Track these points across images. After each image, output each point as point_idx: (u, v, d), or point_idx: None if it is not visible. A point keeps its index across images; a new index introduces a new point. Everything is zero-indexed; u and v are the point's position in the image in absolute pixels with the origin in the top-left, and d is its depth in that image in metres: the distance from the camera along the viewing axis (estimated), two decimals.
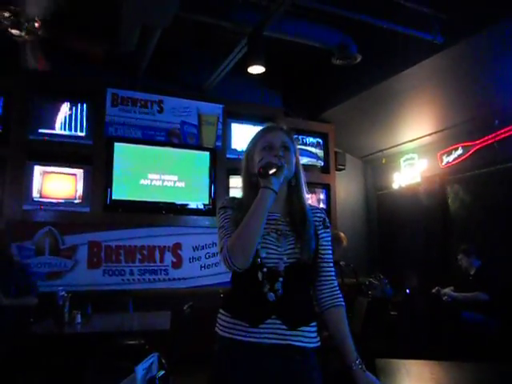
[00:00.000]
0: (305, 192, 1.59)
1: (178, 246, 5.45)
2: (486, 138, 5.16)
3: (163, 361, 1.67)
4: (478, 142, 5.28)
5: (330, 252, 1.59)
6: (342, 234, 4.44)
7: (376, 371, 2.15)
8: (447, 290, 4.75)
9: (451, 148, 5.70)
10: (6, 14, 3.61)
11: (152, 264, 5.30)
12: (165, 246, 5.39)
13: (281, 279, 1.42)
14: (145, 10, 3.82)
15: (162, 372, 1.56)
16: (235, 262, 1.35)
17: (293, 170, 1.54)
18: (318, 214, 1.60)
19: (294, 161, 1.55)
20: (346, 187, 7.08)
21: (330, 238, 1.60)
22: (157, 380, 1.50)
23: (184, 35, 5.08)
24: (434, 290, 4.85)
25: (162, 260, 5.35)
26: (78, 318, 3.61)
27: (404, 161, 6.46)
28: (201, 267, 5.52)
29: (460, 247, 4.84)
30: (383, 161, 6.73)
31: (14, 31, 3.67)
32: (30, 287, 3.70)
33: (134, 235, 5.26)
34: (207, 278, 5.51)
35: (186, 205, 5.63)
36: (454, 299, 4.59)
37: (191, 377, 4.23)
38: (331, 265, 1.59)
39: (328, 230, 1.60)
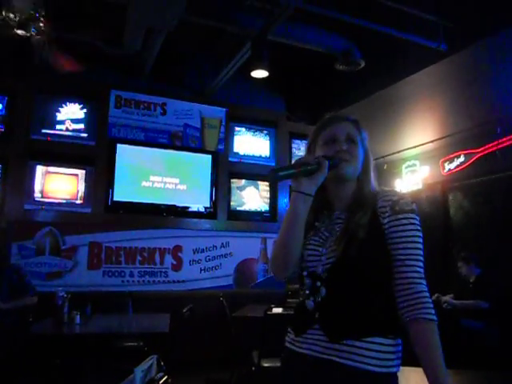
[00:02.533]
0: (372, 184, 1.36)
1: (178, 248, 5.44)
2: (488, 145, 5.15)
3: (162, 363, 1.66)
4: (480, 149, 5.28)
5: (408, 245, 1.20)
6: None
7: None
8: (447, 298, 4.74)
9: (453, 155, 5.69)
10: (12, 15, 3.63)
11: (152, 266, 5.30)
12: (165, 248, 5.39)
13: (318, 284, 1.24)
14: (150, 12, 3.84)
15: (161, 374, 1.55)
16: (274, 272, 1.27)
17: (360, 165, 1.34)
18: (386, 198, 1.27)
19: (361, 154, 1.35)
20: None
21: (405, 228, 1.21)
22: (156, 382, 1.50)
23: (188, 38, 5.10)
24: (433, 297, 4.84)
25: (162, 262, 5.35)
26: (77, 319, 3.60)
27: (406, 167, 6.46)
28: (201, 270, 5.52)
29: (460, 255, 4.83)
30: (385, 167, 6.72)
31: (19, 32, 3.69)
32: (26, 288, 3.65)
33: (134, 237, 5.26)
34: (207, 280, 5.51)
35: (187, 207, 5.63)
36: (454, 307, 4.58)
37: (190, 379, 4.23)
38: (408, 262, 1.19)
39: (400, 216, 1.22)
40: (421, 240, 1.22)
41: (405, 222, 1.22)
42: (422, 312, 1.16)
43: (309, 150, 1.41)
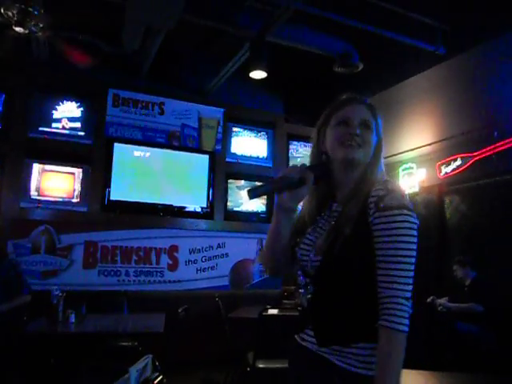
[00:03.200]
0: (375, 176, 1.24)
1: (174, 248, 5.43)
2: (485, 149, 5.17)
3: (157, 363, 1.66)
4: (476, 153, 5.29)
5: (389, 246, 1.08)
6: None
7: None
8: (442, 301, 4.75)
9: (450, 158, 5.71)
10: (10, 13, 3.62)
11: (148, 265, 5.29)
12: (161, 248, 5.38)
13: (307, 281, 1.21)
14: (149, 11, 3.84)
15: (156, 374, 1.55)
16: (265, 269, 1.29)
17: (372, 152, 1.26)
18: (375, 192, 1.14)
19: (375, 141, 1.27)
20: None
21: (392, 225, 1.08)
22: (150, 382, 1.49)
23: (187, 38, 5.10)
24: (429, 300, 4.85)
25: (158, 262, 5.34)
26: (72, 318, 3.58)
27: (402, 170, 6.46)
28: (197, 270, 5.51)
29: (455, 258, 4.85)
30: None
31: (17, 29, 3.68)
32: (21, 285, 3.63)
33: (130, 236, 5.25)
34: (203, 281, 5.50)
35: (184, 207, 5.62)
36: (449, 310, 4.59)
37: (185, 379, 4.23)
38: (386, 265, 1.08)
39: (386, 213, 1.09)
40: (408, 239, 1.09)
41: (389, 219, 1.09)
42: (386, 319, 1.06)
43: (318, 131, 1.34)
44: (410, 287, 1.08)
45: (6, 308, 3.45)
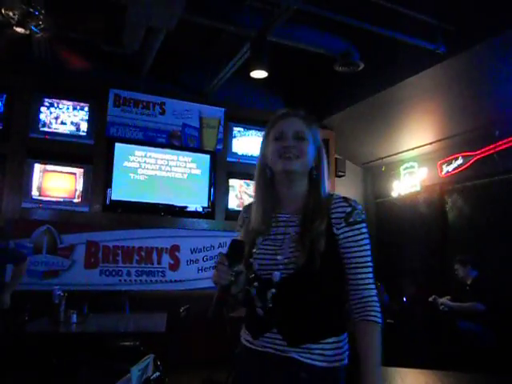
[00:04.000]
0: (326, 185, 1.37)
1: (175, 247, 5.44)
2: (487, 148, 5.17)
3: (158, 362, 1.66)
4: (478, 152, 5.29)
5: (358, 254, 1.29)
6: None
7: None
8: (444, 300, 4.75)
9: (451, 157, 5.71)
10: (11, 14, 3.63)
11: (149, 265, 5.29)
12: (162, 248, 5.38)
13: (272, 291, 1.28)
14: (150, 11, 3.84)
15: (158, 373, 1.55)
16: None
17: (309, 162, 1.35)
18: (340, 209, 1.31)
19: (311, 151, 1.35)
20: (346, 194, 6.91)
21: (359, 237, 1.29)
22: (152, 381, 1.49)
23: (188, 38, 5.09)
24: (430, 299, 4.85)
25: (159, 262, 5.34)
26: (74, 318, 3.59)
27: (404, 169, 6.47)
28: (198, 270, 5.51)
29: (457, 257, 4.84)
30: (383, 169, 6.73)
31: (19, 29, 3.68)
32: (17, 257, 3.78)
33: (132, 236, 5.25)
34: (204, 280, 5.50)
35: (185, 207, 5.63)
36: (451, 309, 4.59)
37: (186, 379, 4.23)
38: (360, 270, 1.29)
39: (355, 227, 1.29)
40: (369, 246, 1.32)
41: (357, 232, 1.29)
42: (371, 314, 1.25)
43: (263, 144, 1.44)
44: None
45: (13, 287, 3.60)
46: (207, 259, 5.57)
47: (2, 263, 3.86)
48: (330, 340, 1.27)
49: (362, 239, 1.30)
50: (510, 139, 4.92)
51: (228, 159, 6.01)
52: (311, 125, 1.40)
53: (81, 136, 5.31)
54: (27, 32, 3.76)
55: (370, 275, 1.30)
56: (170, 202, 5.54)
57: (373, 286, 1.30)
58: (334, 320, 1.31)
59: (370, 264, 1.31)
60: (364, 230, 1.31)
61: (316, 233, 1.27)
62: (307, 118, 1.41)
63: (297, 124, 1.38)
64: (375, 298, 1.28)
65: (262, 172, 1.41)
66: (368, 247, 1.32)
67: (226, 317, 4.13)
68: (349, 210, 1.31)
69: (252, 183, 1.52)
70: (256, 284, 1.32)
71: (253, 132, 6.27)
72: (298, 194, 1.36)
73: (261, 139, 1.49)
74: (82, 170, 5.23)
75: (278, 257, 1.30)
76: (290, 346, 1.26)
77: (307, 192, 1.36)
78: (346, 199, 1.35)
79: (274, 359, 1.28)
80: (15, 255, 3.84)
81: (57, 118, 5.22)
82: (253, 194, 1.45)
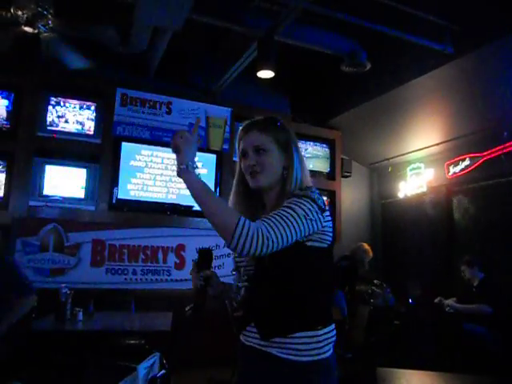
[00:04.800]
0: (293, 184, 1.37)
1: (181, 247, 5.45)
2: (494, 149, 5.14)
3: (164, 361, 1.67)
4: (485, 153, 5.27)
5: (274, 214, 1.26)
6: (366, 246, 4.40)
7: (377, 380, 2.14)
8: (450, 301, 4.72)
9: (458, 158, 5.68)
10: (20, 13, 3.65)
11: (155, 264, 5.31)
12: (168, 247, 5.39)
13: (245, 284, 1.41)
14: (157, 12, 3.85)
15: (163, 371, 1.56)
16: (243, 249, 1.25)
17: (277, 169, 1.39)
18: (289, 199, 1.32)
19: (276, 158, 1.39)
20: (351, 194, 7.08)
21: (286, 204, 1.29)
22: (158, 379, 1.50)
23: (195, 38, 5.11)
24: (436, 300, 4.83)
25: (164, 261, 5.35)
26: (80, 316, 3.61)
27: (410, 170, 6.45)
28: None
29: (463, 258, 4.82)
30: (389, 169, 6.71)
31: (27, 29, 3.70)
32: (22, 288, 3.25)
33: (137, 235, 5.27)
34: None
35: (191, 206, 5.63)
36: (457, 310, 4.57)
37: (191, 378, 4.24)
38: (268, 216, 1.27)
39: (287, 201, 1.30)
40: (295, 211, 1.26)
41: (286, 204, 1.29)
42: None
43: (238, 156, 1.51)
44: None
45: (16, 318, 3.15)
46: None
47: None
48: (303, 334, 1.29)
49: (287, 205, 1.28)
50: None
51: (234, 159, 6.01)
52: (271, 131, 1.41)
53: (88, 135, 5.33)
54: (35, 31, 3.78)
55: (275, 219, 1.24)
56: (176, 202, 5.55)
57: (268, 224, 1.23)
58: (306, 314, 1.32)
59: (279, 216, 1.25)
60: (296, 200, 1.29)
61: None
62: (266, 126, 1.42)
63: (255, 137, 1.41)
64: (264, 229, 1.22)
65: (237, 182, 1.52)
66: (290, 210, 1.26)
67: (230, 316, 4.14)
68: (290, 199, 1.32)
69: None
70: (235, 273, 1.46)
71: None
72: (271, 199, 1.43)
73: None
74: (88, 169, 5.26)
75: None
76: (263, 340, 1.32)
77: (279, 193, 1.41)
78: (304, 193, 1.33)
79: (256, 353, 1.33)
80: (19, 281, 3.26)
81: (64, 117, 5.25)
82: (231, 198, 1.52)
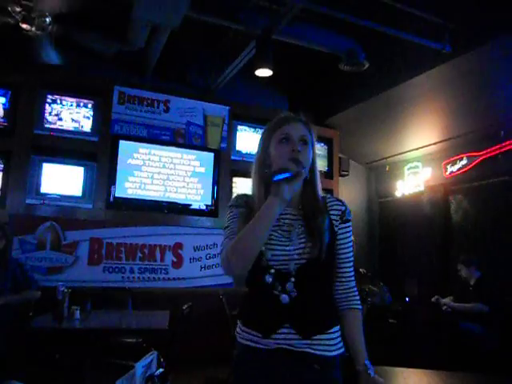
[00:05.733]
0: (319, 185, 1.46)
1: (178, 245, 5.45)
2: (491, 149, 5.15)
3: (162, 359, 1.67)
4: (482, 152, 5.28)
5: (350, 249, 1.45)
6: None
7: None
8: (446, 300, 4.74)
9: (456, 158, 5.70)
10: (18, 9, 3.64)
11: (152, 263, 5.30)
12: (166, 246, 5.39)
13: (292, 280, 1.33)
14: (155, 10, 3.84)
15: (161, 370, 1.56)
16: (233, 267, 1.28)
17: (309, 165, 1.41)
18: (336, 207, 1.45)
19: (311, 155, 1.42)
20: (349, 193, 7.08)
21: (349, 234, 1.45)
22: (156, 378, 1.50)
23: (193, 36, 5.10)
24: (433, 299, 4.84)
25: (162, 259, 5.35)
26: (77, 314, 3.60)
27: (408, 169, 6.46)
28: (201, 268, 5.52)
29: (460, 257, 4.83)
30: (387, 168, 6.72)
31: (24, 26, 3.69)
32: (29, 282, 3.66)
33: (135, 233, 5.26)
34: (207, 278, 5.51)
35: (189, 205, 5.64)
36: (454, 309, 4.58)
37: (188, 377, 4.24)
38: (349, 264, 1.44)
39: (347, 225, 1.45)
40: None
41: (348, 229, 1.45)
42: (357, 303, 1.42)
43: (262, 147, 1.48)
44: None
45: (16, 300, 3.48)
46: (210, 257, 5.58)
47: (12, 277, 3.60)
48: (334, 329, 1.38)
49: (350, 236, 1.46)
50: None
51: (232, 157, 6.02)
52: (311, 129, 1.46)
53: (85, 133, 5.32)
54: (32, 29, 3.77)
55: (353, 268, 1.46)
56: (174, 200, 5.55)
57: (354, 278, 1.45)
58: (334, 309, 1.42)
59: (353, 258, 1.46)
60: (351, 228, 1.47)
61: (323, 227, 1.37)
62: (308, 123, 1.47)
63: (301, 129, 1.43)
64: (356, 288, 1.44)
65: (260, 172, 1.46)
66: (352, 243, 1.48)
67: (228, 315, 4.14)
68: (343, 208, 1.46)
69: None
70: (272, 271, 1.35)
71: (257, 130, 6.27)
72: (295, 192, 1.39)
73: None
74: (86, 167, 5.25)
75: (288, 247, 1.36)
76: (303, 339, 1.32)
77: (302, 189, 1.41)
78: (338, 199, 1.49)
79: (287, 355, 1.32)
80: (27, 276, 3.68)
81: (61, 115, 5.23)
82: (253, 187, 1.49)
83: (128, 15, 4.07)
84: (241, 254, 1.27)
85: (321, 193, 1.46)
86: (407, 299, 5.27)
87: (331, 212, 1.44)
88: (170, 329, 3.38)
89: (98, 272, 5.04)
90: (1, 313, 3.40)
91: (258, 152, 1.51)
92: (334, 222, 1.42)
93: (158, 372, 1.54)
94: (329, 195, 1.50)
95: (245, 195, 1.51)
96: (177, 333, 3.23)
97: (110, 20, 4.65)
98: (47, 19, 3.68)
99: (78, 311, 3.62)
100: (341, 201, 1.48)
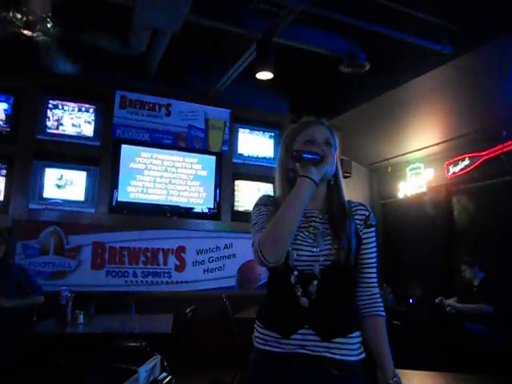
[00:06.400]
0: (344, 190, 1.48)
1: (181, 249, 5.45)
2: (494, 149, 5.14)
3: (165, 363, 1.67)
4: (485, 153, 5.27)
5: (374, 254, 1.45)
6: None
7: (378, 380, 2.14)
8: (450, 301, 4.72)
9: (458, 158, 5.69)
10: (19, 16, 3.65)
11: (155, 266, 5.30)
12: (168, 249, 5.39)
13: (315, 282, 1.32)
14: (156, 14, 3.86)
15: (165, 374, 1.56)
16: (266, 256, 1.25)
17: (334, 169, 1.42)
18: (360, 212, 1.46)
19: (335, 157, 1.43)
20: (351, 195, 6.86)
21: (373, 239, 1.46)
22: (159, 382, 1.50)
23: (194, 40, 5.12)
24: (437, 300, 4.83)
25: (165, 263, 5.35)
26: (81, 319, 3.60)
27: (410, 170, 6.45)
28: (204, 271, 5.52)
29: (464, 258, 4.82)
30: (389, 169, 6.72)
31: (26, 32, 3.71)
32: (33, 287, 3.69)
33: (138, 237, 5.27)
34: (210, 281, 5.51)
35: (191, 208, 5.64)
36: (457, 310, 4.57)
37: (192, 380, 4.24)
38: (373, 270, 1.44)
39: (371, 230, 1.45)
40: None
41: (372, 234, 1.45)
42: (381, 310, 1.41)
43: (286, 148, 1.49)
44: None
45: (20, 304, 3.52)
46: (213, 260, 5.58)
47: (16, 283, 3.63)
48: (355, 334, 1.35)
49: (374, 241, 1.46)
50: None
51: (234, 160, 6.02)
52: (334, 133, 1.49)
53: (87, 137, 5.33)
54: (34, 34, 3.79)
55: (376, 274, 1.46)
56: (176, 204, 5.56)
57: (377, 285, 1.45)
58: (355, 314, 1.41)
59: (376, 264, 1.46)
60: (375, 234, 1.47)
61: (350, 231, 1.38)
62: (330, 127, 1.49)
63: (326, 131, 1.46)
64: (380, 295, 1.44)
65: (284, 174, 1.47)
66: (376, 249, 1.47)
67: (231, 318, 4.14)
68: (367, 213, 1.46)
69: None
70: (296, 273, 1.33)
71: (259, 133, 6.27)
72: (320, 195, 1.44)
73: (269, 141, 1.56)
74: (88, 172, 5.26)
75: (314, 249, 1.35)
76: (322, 341, 1.30)
77: (326, 194, 1.45)
78: (362, 204, 1.50)
79: (305, 360, 1.30)
80: (31, 281, 3.72)
81: (63, 120, 5.25)
82: (278, 190, 1.48)
83: (129, 19, 4.08)
84: (274, 239, 1.26)
85: (345, 196, 1.48)
86: (411, 300, 5.25)
87: (356, 217, 1.44)
88: (174, 333, 3.38)
89: (101, 276, 5.05)
90: (5, 316, 3.42)
91: (280, 155, 1.53)
92: (358, 226, 1.42)
93: (161, 376, 1.54)
94: (352, 200, 1.50)
95: (270, 196, 1.51)
96: (180, 336, 3.22)
97: (112, 24, 4.67)
98: (49, 24, 3.69)
99: (82, 316, 3.62)
100: (364, 206, 1.49)
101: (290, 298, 1.33)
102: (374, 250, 1.46)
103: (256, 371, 1.40)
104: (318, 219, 1.41)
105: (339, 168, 1.48)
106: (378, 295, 1.43)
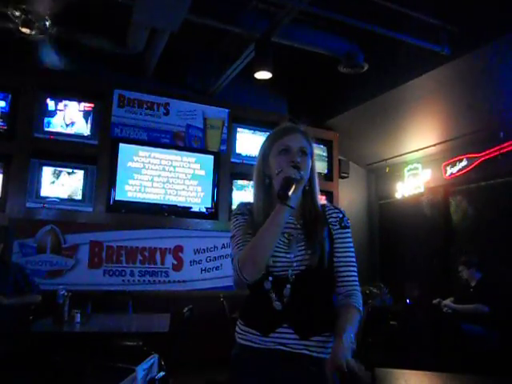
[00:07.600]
0: (318, 194, 1.51)
1: (179, 248, 5.44)
2: (491, 150, 5.16)
3: (163, 362, 1.66)
4: (482, 154, 5.28)
5: (350, 254, 1.47)
6: None
7: (375, 380, 2.14)
8: (447, 302, 4.73)
9: (456, 159, 5.70)
10: (17, 13, 3.65)
11: (153, 266, 5.30)
12: (166, 248, 5.38)
13: (288, 286, 1.38)
14: (154, 13, 3.85)
15: (162, 373, 1.56)
16: (246, 275, 1.34)
17: (308, 175, 1.46)
18: (334, 214, 1.50)
19: (310, 165, 1.47)
20: (349, 195, 7.08)
21: (349, 239, 1.49)
22: (157, 381, 1.50)
23: (192, 39, 5.11)
24: (434, 301, 4.84)
25: (162, 262, 5.35)
26: (78, 318, 3.59)
27: (408, 171, 6.46)
28: (201, 270, 5.52)
29: (461, 259, 4.83)
30: (387, 170, 6.73)
31: (24, 30, 3.70)
32: (31, 286, 3.67)
33: (135, 236, 5.26)
34: (207, 281, 5.50)
35: (189, 208, 5.63)
36: (454, 311, 4.58)
37: (189, 379, 4.23)
38: (351, 268, 1.46)
39: (346, 231, 1.49)
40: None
41: (348, 235, 1.49)
42: (355, 302, 1.39)
43: (263, 157, 1.52)
44: None
45: (17, 302, 3.49)
46: (210, 260, 5.57)
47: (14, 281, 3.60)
48: (328, 333, 1.38)
49: (350, 241, 1.49)
50: None
51: (232, 160, 6.02)
52: (309, 140, 1.51)
53: (85, 136, 5.32)
54: (33, 32, 3.78)
55: (356, 272, 1.46)
56: (174, 203, 5.55)
57: (358, 283, 1.45)
58: (331, 313, 1.42)
59: (355, 263, 1.48)
60: (350, 234, 1.51)
61: (322, 236, 1.42)
62: (307, 134, 1.52)
63: (300, 140, 1.48)
64: (359, 293, 1.43)
65: (261, 180, 1.51)
66: (353, 249, 1.50)
67: (228, 317, 4.14)
68: (340, 215, 1.50)
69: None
70: (271, 278, 1.39)
71: (257, 133, 6.27)
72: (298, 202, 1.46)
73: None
74: (86, 171, 5.25)
75: (288, 255, 1.40)
76: (300, 340, 1.35)
77: (301, 199, 1.46)
78: (336, 207, 1.54)
79: (285, 356, 1.35)
80: (29, 280, 3.67)
81: (61, 119, 5.23)
82: (253, 195, 1.53)
83: (127, 19, 4.08)
84: (253, 262, 1.33)
85: (320, 202, 1.51)
86: (408, 301, 5.27)
87: (330, 220, 1.48)
88: (171, 332, 3.38)
89: (99, 275, 5.04)
90: (2, 314, 3.40)
91: (257, 162, 1.54)
92: (332, 228, 1.47)
93: (159, 375, 1.54)
94: (328, 204, 1.55)
95: (248, 203, 1.55)
96: (177, 336, 3.22)
97: (110, 23, 4.66)
98: (47, 22, 3.68)
99: (79, 315, 3.61)
100: (339, 209, 1.53)
101: (265, 301, 1.40)
102: (351, 249, 1.48)
103: (238, 365, 1.46)
104: (292, 225, 1.45)
105: (315, 172, 1.51)
106: (357, 292, 1.43)
